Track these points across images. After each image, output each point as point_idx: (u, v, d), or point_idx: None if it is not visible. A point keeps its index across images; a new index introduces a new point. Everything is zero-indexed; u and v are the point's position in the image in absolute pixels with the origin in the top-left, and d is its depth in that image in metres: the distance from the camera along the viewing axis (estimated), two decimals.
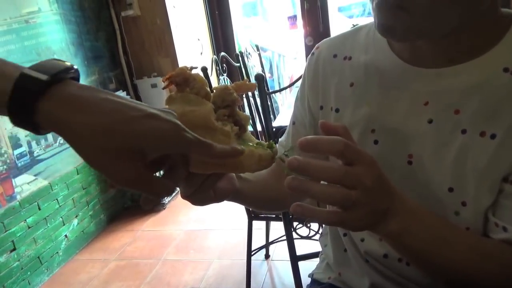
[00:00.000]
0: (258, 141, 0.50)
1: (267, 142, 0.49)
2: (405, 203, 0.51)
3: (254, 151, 0.46)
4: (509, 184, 0.56)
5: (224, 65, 1.77)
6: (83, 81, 2.16)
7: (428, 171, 0.61)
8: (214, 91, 0.51)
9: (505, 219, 0.57)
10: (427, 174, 0.61)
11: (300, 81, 0.81)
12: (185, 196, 0.54)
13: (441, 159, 0.60)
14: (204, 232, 2.55)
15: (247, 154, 0.46)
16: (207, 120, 0.46)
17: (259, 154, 0.46)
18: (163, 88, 0.54)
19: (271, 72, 4.70)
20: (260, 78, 1.08)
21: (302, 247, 1.46)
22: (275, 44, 4.66)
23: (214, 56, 1.68)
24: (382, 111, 0.65)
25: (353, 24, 0.79)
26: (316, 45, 0.77)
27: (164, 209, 2.91)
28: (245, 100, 1.62)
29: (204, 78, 0.51)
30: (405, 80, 0.63)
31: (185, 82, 0.50)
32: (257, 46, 2.58)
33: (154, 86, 2.94)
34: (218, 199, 0.57)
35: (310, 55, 0.77)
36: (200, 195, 0.54)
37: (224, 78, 1.75)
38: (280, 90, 1.90)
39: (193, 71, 0.51)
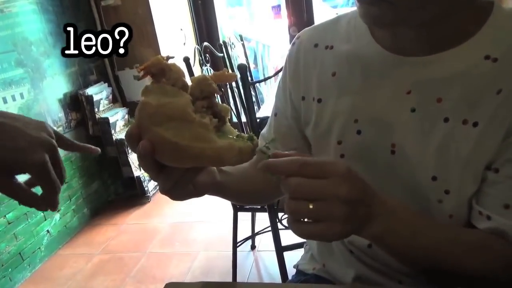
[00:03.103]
0: (239, 133, 0.49)
1: (247, 134, 0.48)
2: (385, 203, 0.51)
3: (233, 144, 0.45)
4: (492, 172, 0.57)
5: (207, 55, 1.74)
6: (62, 72, 2.09)
7: (411, 160, 0.61)
8: (192, 82, 0.49)
9: (489, 207, 0.57)
10: (410, 163, 0.61)
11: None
12: (164, 191, 0.53)
13: (424, 148, 0.60)
14: (189, 225, 2.54)
15: (226, 147, 0.44)
16: (184, 112, 0.44)
17: (239, 147, 0.45)
18: (139, 79, 0.52)
19: (255, 62, 4.67)
20: (243, 68, 1.06)
21: (287, 237, 1.45)
22: (259, 34, 4.62)
23: (197, 46, 1.65)
24: (365, 101, 0.65)
25: (337, 14, 0.78)
26: (297, 35, 0.76)
27: (149, 202, 2.88)
28: (228, 90, 1.60)
29: (181, 68, 0.49)
30: (388, 69, 0.62)
31: (161, 73, 0.48)
32: (240, 36, 2.55)
33: (136, 77, 2.85)
34: (198, 193, 0.56)
35: (291, 45, 0.76)
36: (179, 190, 0.52)
37: (207, 69, 1.72)
38: (264, 80, 1.88)
39: (170, 61, 0.49)
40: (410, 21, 0.54)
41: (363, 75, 0.65)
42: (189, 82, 0.50)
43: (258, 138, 0.82)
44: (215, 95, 0.50)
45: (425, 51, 0.59)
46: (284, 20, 3.25)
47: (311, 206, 0.44)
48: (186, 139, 0.44)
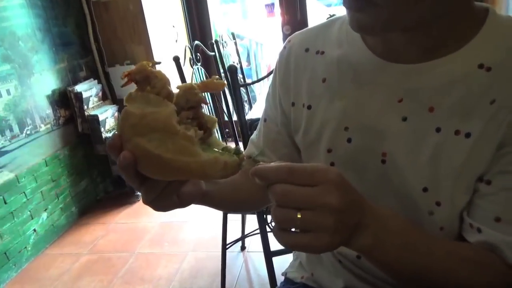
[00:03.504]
0: (225, 145, 0.47)
1: (234, 147, 0.46)
2: (376, 213, 0.49)
3: (219, 158, 0.42)
4: (484, 184, 0.55)
5: (198, 54, 1.71)
6: (51, 68, 2.06)
7: (402, 170, 0.60)
8: (178, 90, 0.47)
9: (479, 219, 0.56)
10: (401, 174, 0.60)
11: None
12: (146, 202, 0.50)
13: (415, 158, 0.58)
14: (179, 224, 2.51)
15: (211, 161, 0.42)
16: (167, 124, 0.42)
17: (225, 161, 0.43)
18: (122, 86, 0.50)
19: (248, 60, 4.65)
20: (233, 70, 1.04)
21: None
22: (252, 32, 4.60)
23: (188, 44, 1.62)
24: (356, 108, 0.63)
25: (329, 14, 0.76)
26: (288, 39, 0.74)
27: (138, 200, 2.84)
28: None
29: (166, 76, 0.48)
30: (379, 76, 0.61)
31: (145, 80, 0.46)
32: (233, 34, 2.53)
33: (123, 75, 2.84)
34: (183, 204, 0.54)
35: (281, 49, 0.74)
36: (163, 202, 0.50)
37: (198, 68, 1.70)
38: (253, 83, 1.85)
39: (157, 67, 0.47)
40: (400, 24, 0.52)
41: (354, 81, 0.63)
42: (174, 90, 0.48)
43: (248, 142, 0.81)
44: (202, 105, 0.48)
45: (417, 58, 0.57)
46: (277, 18, 3.23)
47: (299, 215, 0.42)
48: (169, 152, 0.42)
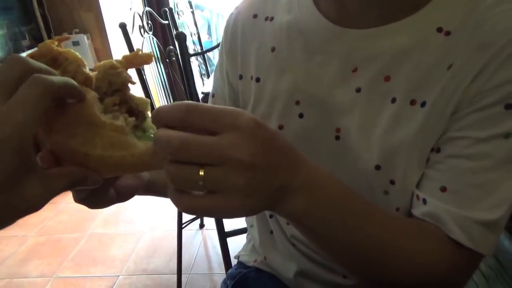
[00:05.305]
0: None
1: None
2: (312, 177, 0.40)
3: None
4: (434, 152, 0.51)
5: (150, 22, 1.59)
6: None
7: (356, 146, 0.54)
8: (96, 71, 0.39)
9: (426, 190, 0.51)
10: (355, 150, 0.54)
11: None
12: (77, 201, 0.43)
13: (369, 132, 0.53)
14: (135, 203, 2.42)
15: (150, 150, 0.36)
16: (90, 115, 0.35)
17: None
18: None
19: (209, 33, 4.49)
20: (182, 38, 0.95)
21: (232, 220, 1.40)
22: (213, 3, 4.42)
23: (136, 11, 1.50)
24: (307, 80, 0.57)
25: None
26: (236, 5, 0.66)
27: None
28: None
29: (79, 56, 0.39)
30: (332, 43, 0.54)
31: (54, 64, 0.38)
32: (190, 3, 2.38)
33: (76, 44, 2.64)
34: (121, 199, 0.47)
35: (228, 16, 0.66)
36: (97, 199, 0.43)
37: (149, 37, 1.58)
38: (205, 52, 1.75)
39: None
40: None
41: (305, 50, 0.57)
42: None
43: None
44: (128, 85, 0.40)
45: (373, 22, 0.51)
46: None
47: (201, 173, 0.33)
48: (98, 148, 0.35)
